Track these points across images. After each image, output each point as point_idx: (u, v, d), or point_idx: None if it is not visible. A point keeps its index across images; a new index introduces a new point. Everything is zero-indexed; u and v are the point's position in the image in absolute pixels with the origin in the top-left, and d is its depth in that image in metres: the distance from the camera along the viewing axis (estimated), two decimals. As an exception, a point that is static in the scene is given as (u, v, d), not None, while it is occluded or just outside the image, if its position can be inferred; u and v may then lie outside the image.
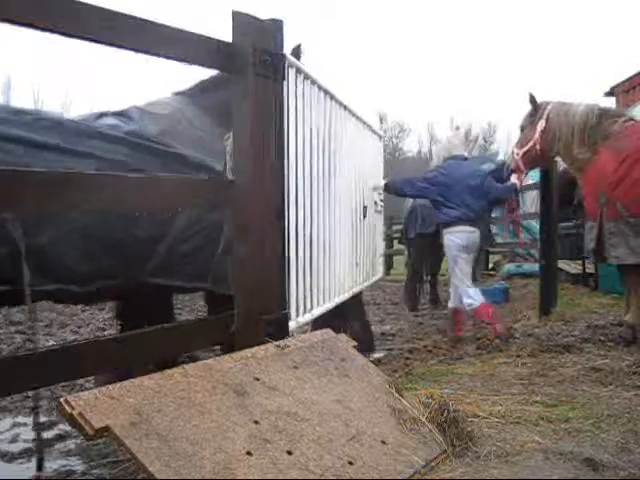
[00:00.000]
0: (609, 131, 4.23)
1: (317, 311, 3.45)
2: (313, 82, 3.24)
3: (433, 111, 66.95)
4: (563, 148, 4.39)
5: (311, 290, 3.33)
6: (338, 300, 3.98)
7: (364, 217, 4.60)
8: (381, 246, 5.44)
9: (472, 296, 4.65)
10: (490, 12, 66.94)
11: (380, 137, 5.53)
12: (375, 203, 5.08)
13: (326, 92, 3.51)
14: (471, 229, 4.69)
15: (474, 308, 4.68)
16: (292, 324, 2.97)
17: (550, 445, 2.17)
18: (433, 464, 1.96)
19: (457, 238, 4.68)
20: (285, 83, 2.67)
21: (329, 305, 3.74)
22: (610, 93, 17.42)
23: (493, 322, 4.62)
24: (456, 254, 4.71)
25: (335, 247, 3.88)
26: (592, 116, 4.28)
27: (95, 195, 1.92)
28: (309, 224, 3.24)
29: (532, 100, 4.61)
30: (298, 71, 2.93)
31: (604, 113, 4.33)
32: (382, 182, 5.03)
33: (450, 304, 5.01)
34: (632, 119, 4.40)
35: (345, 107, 4.01)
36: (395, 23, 68.18)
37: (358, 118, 4.44)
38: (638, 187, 3.90)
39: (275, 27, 2.49)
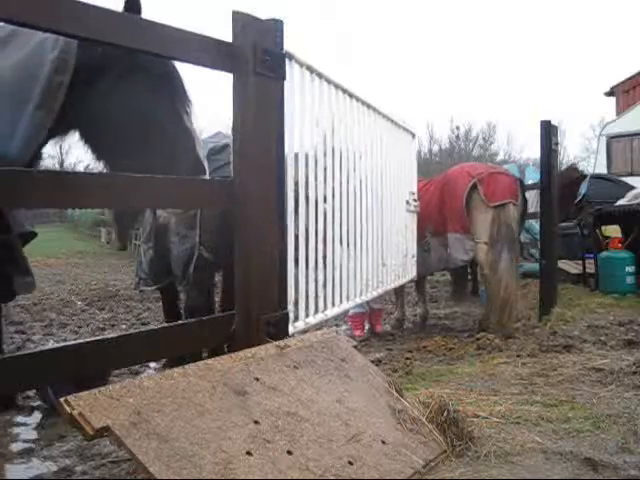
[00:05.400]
0: None
1: (332, 312, 3.39)
2: (328, 81, 3.28)
3: (433, 111, 66.93)
4: None
5: (325, 290, 3.28)
6: (359, 300, 3.94)
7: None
8: (413, 247, 5.39)
9: None
10: (490, 12, 66.92)
11: (413, 135, 5.47)
12: (407, 203, 5.09)
13: (345, 90, 3.57)
14: None
15: None
16: (300, 324, 2.95)
17: (550, 445, 2.17)
18: (433, 464, 1.96)
19: None
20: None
21: (347, 305, 3.68)
22: (610, 93, 17.42)
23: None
24: None
25: (357, 246, 3.84)
26: None
27: (100, 195, 1.93)
28: (322, 222, 3.23)
29: None
30: (310, 70, 3.00)
31: None
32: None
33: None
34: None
35: (368, 105, 4.03)
36: (395, 23, 68.16)
37: (381, 114, 4.38)
38: None
39: (275, 27, 2.49)
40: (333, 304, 3.43)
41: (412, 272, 5.35)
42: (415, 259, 5.42)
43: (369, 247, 4.09)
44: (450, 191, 5.39)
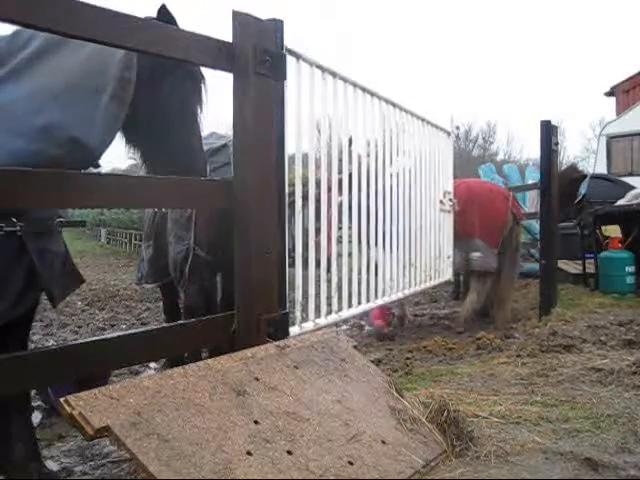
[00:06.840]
0: None
1: (347, 313, 3.30)
2: (344, 80, 3.27)
3: (433, 111, 66.84)
4: None
5: (339, 291, 3.22)
6: (381, 301, 3.82)
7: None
8: (448, 247, 5.31)
9: None
10: (490, 12, 66.92)
11: (448, 134, 5.40)
12: (441, 202, 5.04)
13: (364, 89, 3.54)
14: None
15: None
16: (309, 325, 2.92)
17: (550, 445, 2.17)
18: (433, 464, 1.96)
19: None
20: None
21: (366, 307, 3.56)
22: (610, 93, 17.42)
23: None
24: None
25: (380, 245, 3.75)
26: None
27: (102, 194, 1.95)
28: (335, 221, 3.18)
29: None
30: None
31: None
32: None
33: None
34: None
35: (393, 104, 4.03)
36: (395, 23, 68.17)
37: (409, 112, 4.32)
38: None
39: (275, 27, 2.49)
40: (350, 305, 3.33)
41: (447, 273, 5.26)
42: (450, 260, 5.34)
43: (394, 247, 3.99)
44: (485, 204, 5.82)
